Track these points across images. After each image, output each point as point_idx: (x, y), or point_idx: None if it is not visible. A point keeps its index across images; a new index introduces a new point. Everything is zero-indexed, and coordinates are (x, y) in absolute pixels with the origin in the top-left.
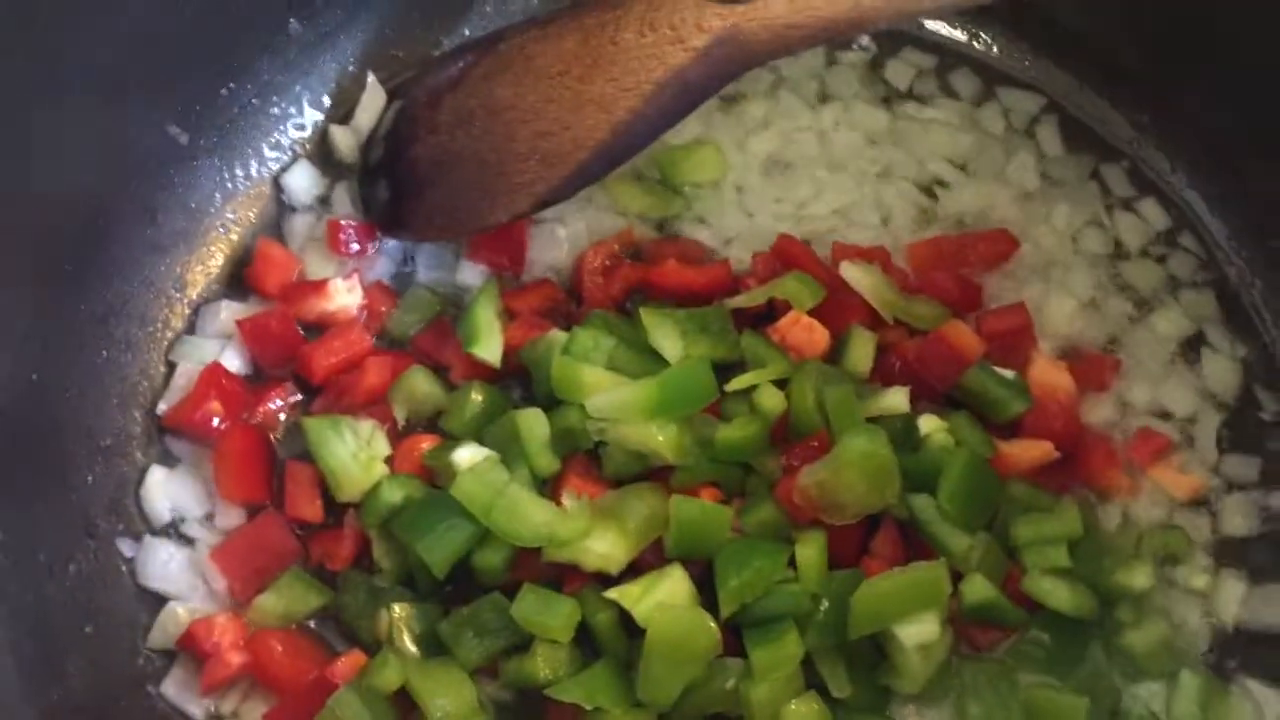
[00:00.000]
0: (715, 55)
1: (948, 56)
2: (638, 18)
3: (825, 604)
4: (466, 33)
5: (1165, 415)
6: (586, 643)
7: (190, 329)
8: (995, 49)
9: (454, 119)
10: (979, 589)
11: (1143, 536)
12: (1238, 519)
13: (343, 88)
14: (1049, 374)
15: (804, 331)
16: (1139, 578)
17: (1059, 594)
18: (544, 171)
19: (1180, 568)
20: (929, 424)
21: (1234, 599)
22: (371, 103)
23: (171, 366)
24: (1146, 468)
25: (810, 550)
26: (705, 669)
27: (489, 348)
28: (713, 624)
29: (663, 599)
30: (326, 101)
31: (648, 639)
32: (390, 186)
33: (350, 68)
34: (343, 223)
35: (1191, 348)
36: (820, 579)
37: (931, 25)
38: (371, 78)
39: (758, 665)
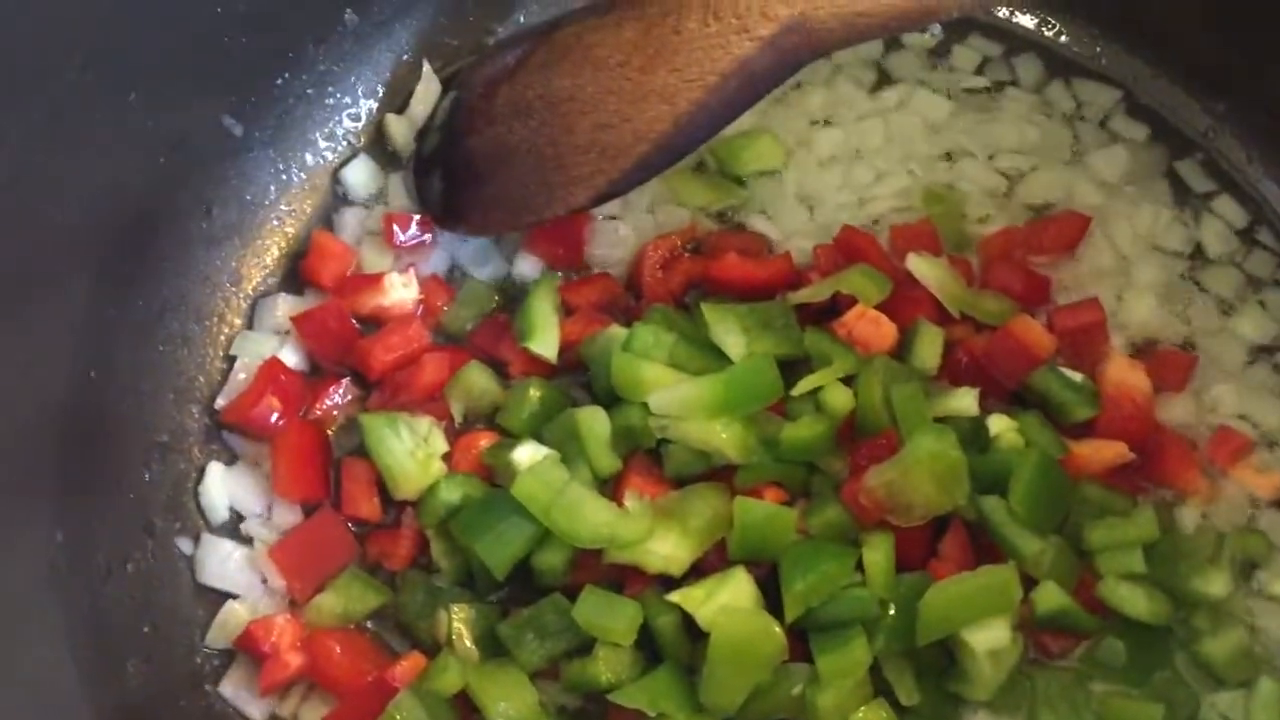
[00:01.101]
0: (782, 44)
1: (1014, 43)
2: (701, 6)
3: (893, 609)
4: (521, 19)
5: (1244, 417)
6: (649, 646)
7: (248, 323)
8: (1064, 36)
9: (511, 110)
10: (1051, 596)
11: (1222, 540)
12: None
13: (398, 77)
14: (1125, 373)
15: (870, 325)
16: (1216, 584)
17: (1135, 601)
18: (603, 164)
19: (1260, 573)
20: (999, 424)
21: None
22: (427, 92)
23: (230, 362)
24: (1227, 468)
25: (878, 554)
26: (770, 674)
27: (545, 343)
28: (778, 629)
29: (726, 602)
30: (381, 91)
31: (711, 643)
32: (445, 178)
33: (405, 57)
34: (398, 215)
35: (1271, 349)
36: (888, 583)
37: (999, 10)
38: (426, 67)
39: (824, 671)
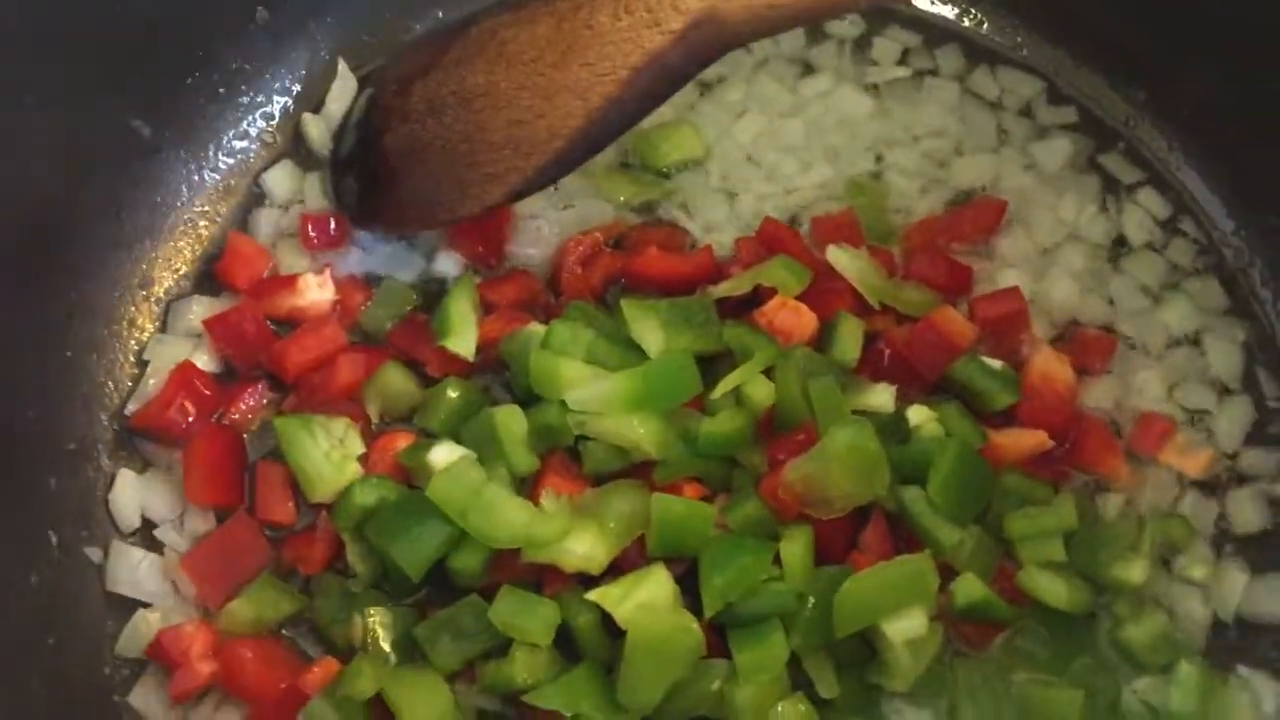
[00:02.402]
0: (693, 38)
1: (935, 34)
2: (613, 0)
3: (811, 602)
4: (440, 15)
5: (1170, 398)
6: (567, 646)
7: (162, 327)
8: (985, 26)
9: (426, 107)
10: (971, 587)
11: (1143, 527)
12: (1248, 513)
13: (313, 76)
14: (1050, 364)
15: (791, 315)
16: (1136, 572)
17: (1055, 589)
18: (518, 161)
19: (1180, 557)
20: (918, 414)
21: (1235, 590)
22: (342, 91)
23: (142, 367)
24: (1153, 453)
25: (795, 547)
26: (688, 671)
27: (463, 341)
28: (695, 626)
29: (644, 600)
30: (296, 90)
31: (628, 641)
32: (361, 177)
33: (321, 54)
34: (314, 216)
35: (1194, 337)
36: (806, 577)
37: (919, 1)
38: (342, 64)
39: (743, 667)
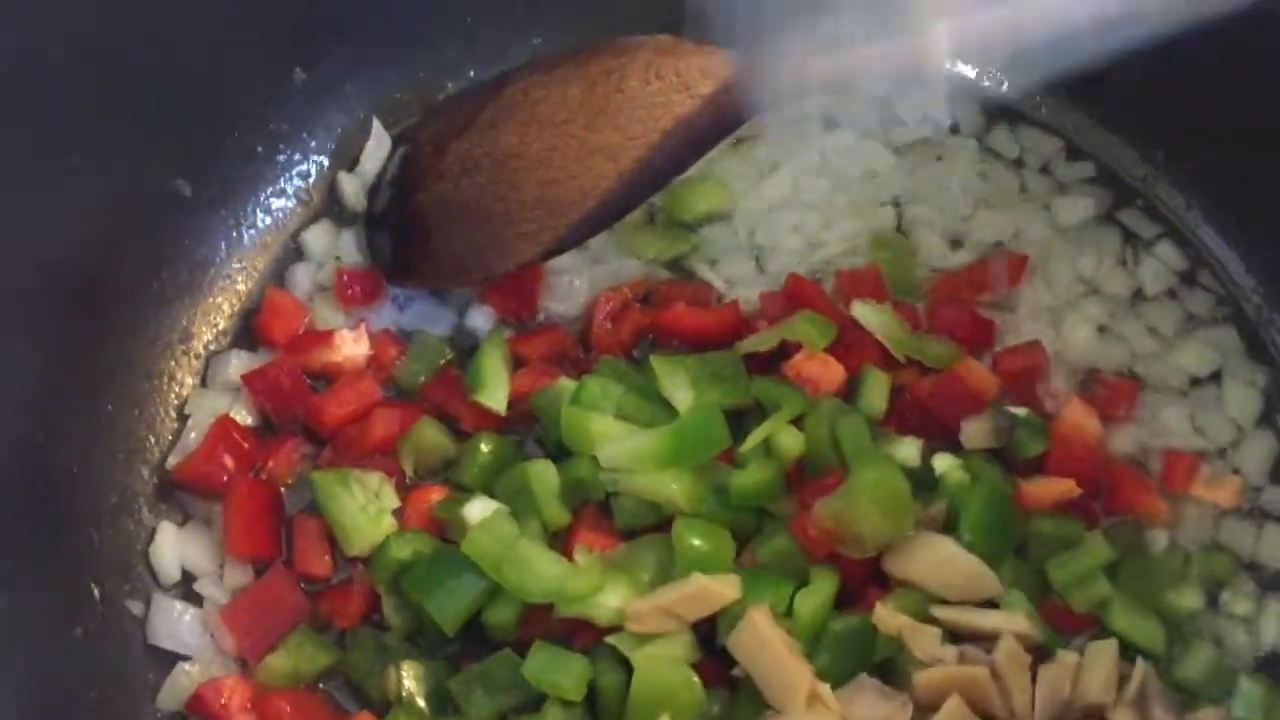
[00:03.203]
0: (723, 102)
1: (956, 92)
2: (643, 65)
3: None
4: (472, 74)
5: (1196, 432)
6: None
7: (202, 381)
8: (1005, 85)
9: (460, 167)
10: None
11: (1189, 560)
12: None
13: (349, 134)
14: (1079, 416)
15: (818, 366)
16: (1189, 598)
17: (1147, 630)
18: (550, 220)
19: (1224, 593)
20: (943, 463)
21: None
22: (377, 149)
23: (182, 420)
24: (1183, 488)
25: (810, 601)
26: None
27: (495, 395)
28: (698, 683)
29: (659, 651)
30: (332, 148)
31: (633, 685)
32: (395, 234)
33: (356, 114)
34: (350, 271)
35: (1213, 379)
36: (812, 634)
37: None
38: (377, 124)
39: None
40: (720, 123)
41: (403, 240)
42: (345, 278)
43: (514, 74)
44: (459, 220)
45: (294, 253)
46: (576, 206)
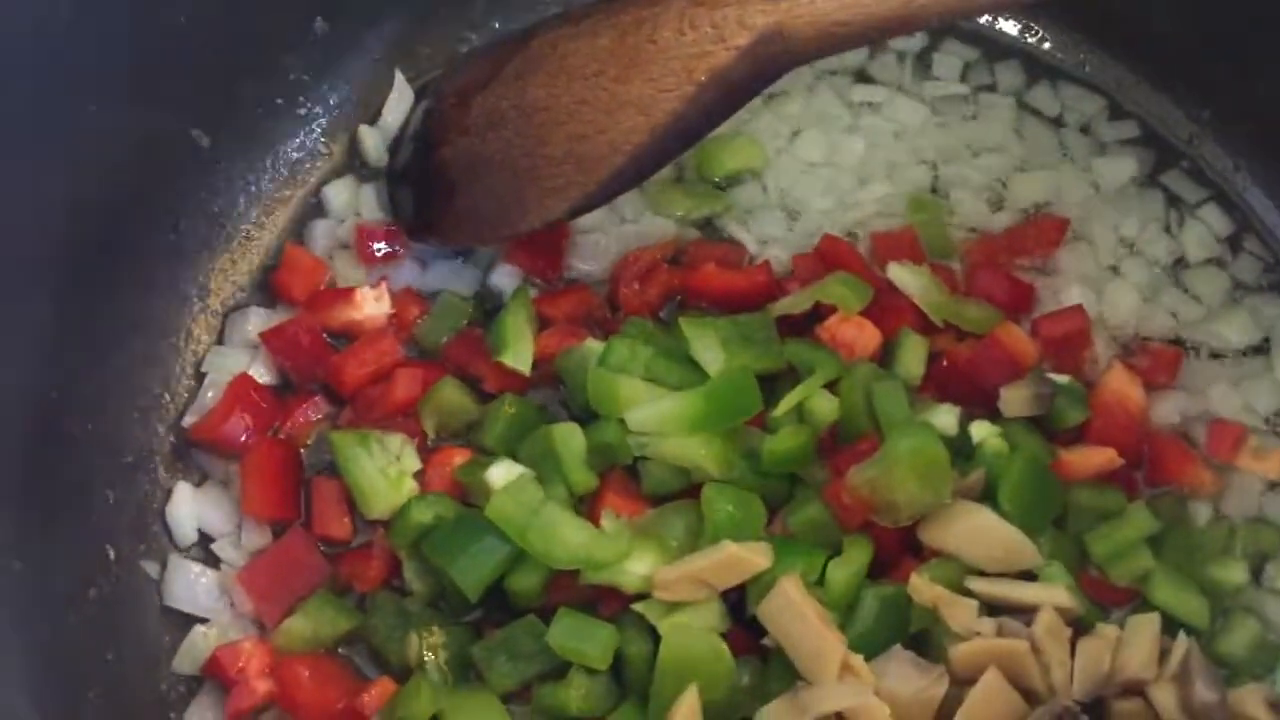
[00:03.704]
0: (759, 54)
1: (996, 49)
2: (677, 14)
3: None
4: (496, 26)
5: (1239, 408)
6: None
7: (219, 339)
8: (1048, 42)
9: (484, 120)
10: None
11: (1234, 532)
12: None
13: (370, 87)
14: (1122, 384)
15: (854, 329)
16: (1235, 573)
17: (1191, 604)
18: (579, 176)
19: (1269, 565)
20: (981, 430)
21: None
22: (399, 102)
23: (199, 378)
24: (1230, 459)
25: (843, 572)
26: (721, 695)
27: (519, 356)
28: (727, 652)
29: (686, 619)
30: (354, 101)
31: (660, 657)
32: (418, 190)
33: (378, 66)
34: (370, 227)
35: (1260, 348)
36: (844, 602)
37: (982, 17)
38: (399, 76)
39: None
40: (757, 75)
41: (425, 196)
42: (365, 234)
43: (542, 26)
44: (484, 176)
45: (314, 208)
46: (606, 162)
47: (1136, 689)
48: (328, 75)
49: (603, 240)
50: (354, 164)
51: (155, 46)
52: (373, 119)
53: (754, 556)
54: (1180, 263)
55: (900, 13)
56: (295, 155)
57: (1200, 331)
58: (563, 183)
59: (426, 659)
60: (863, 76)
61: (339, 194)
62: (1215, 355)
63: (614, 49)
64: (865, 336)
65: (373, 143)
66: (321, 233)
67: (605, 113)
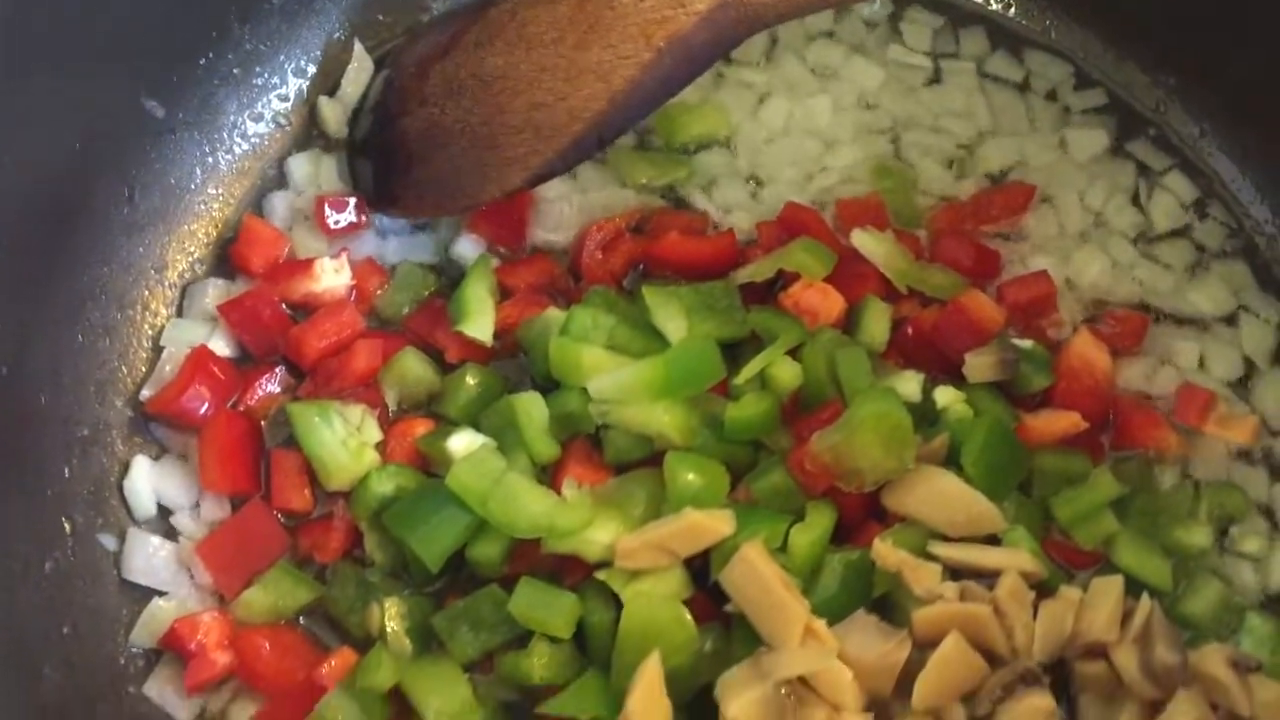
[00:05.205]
0: (719, 19)
1: (961, 16)
2: None
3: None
4: None
5: (1204, 369)
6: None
7: (177, 311)
8: (1013, 9)
9: (444, 90)
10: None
11: (1199, 494)
12: None
13: (329, 57)
14: (1088, 347)
15: (818, 296)
16: (1198, 536)
17: (1153, 566)
18: (538, 145)
19: (1234, 528)
20: (945, 396)
21: None
22: (359, 73)
23: (157, 351)
24: (1197, 424)
25: (806, 536)
26: (683, 659)
27: (480, 326)
28: (689, 619)
29: (649, 587)
30: (311, 71)
31: (622, 624)
32: (378, 160)
33: (336, 35)
34: (330, 198)
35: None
36: (808, 567)
37: None
38: (358, 46)
39: None
40: (716, 41)
41: (386, 168)
42: (326, 205)
43: None
44: (443, 146)
45: (273, 180)
46: (565, 130)
47: (1099, 651)
48: (285, 45)
49: (566, 209)
50: (313, 135)
51: (107, 14)
52: (332, 90)
53: (716, 523)
54: (1148, 231)
55: None
56: (253, 126)
57: (1170, 299)
58: (523, 151)
59: (388, 629)
60: (828, 43)
61: (300, 166)
62: (1182, 322)
63: (573, 15)
64: (829, 303)
65: (333, 114)
66: (280, 204)
67: (564, 80)
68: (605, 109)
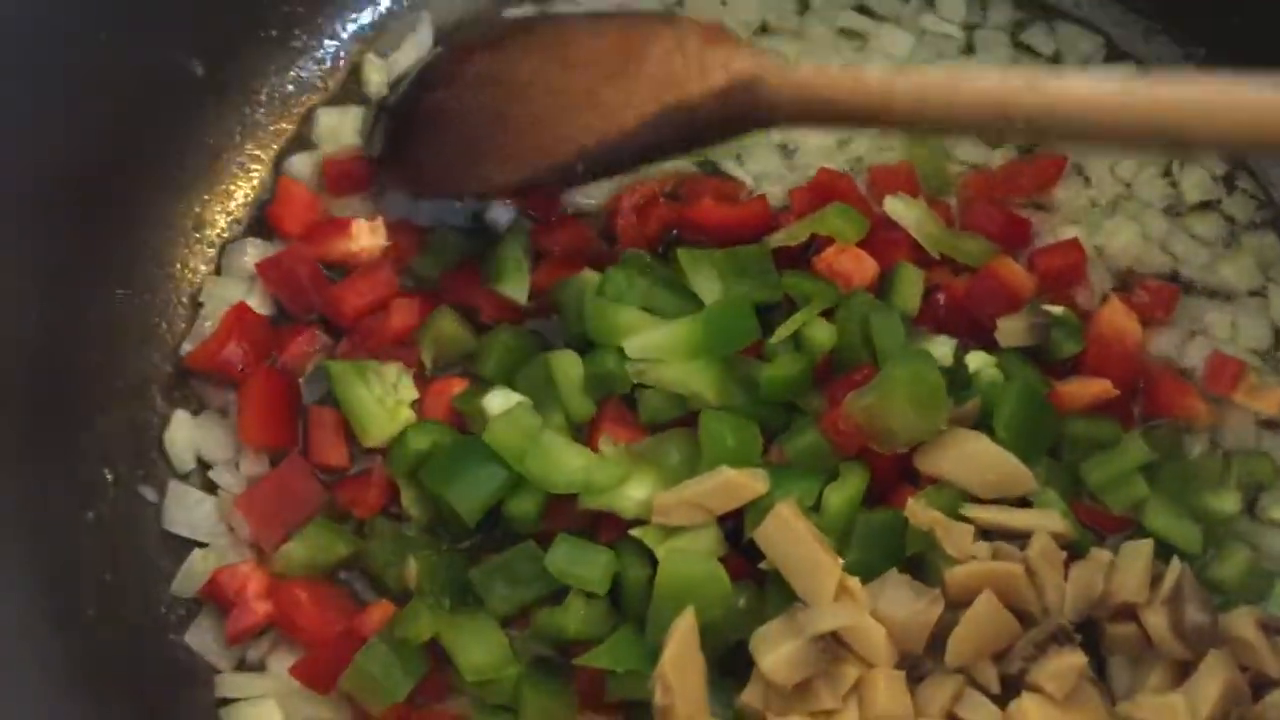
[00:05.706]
0: (730, 100)
1: None
2: (676, 39)
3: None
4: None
5: (1234, 340)
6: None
7: (216, 269)
8: None
9: (472, 80)
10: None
11: (1229, 463)
12: None
13: (373, 22)
14: (1118, 315)
15: (851, 260)
16: (1228, 502)
17: (1185, 531)
18: (528, 155)
19: (1264, 496)
20: (977, 360)
21: None
22: (415, 45)
23: (197, 309)
24: (1227, 393)
25: (839, 496)
26: (718, 615)
27: (515, 285)
28: (724, 576)
29: (684, 545)
30: (350, 34)
31: (658, 580)
32: (392, 127)
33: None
34: (337, 161)
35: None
36: (841, 527)
37: None
38: (425, 18)
39: None
40: (723, 120)
41: (395, 136)
42: (332, 167)
43: (574, 17)
44: (445, 130)
45: (309, 141)
46: (553, 150)
47: (1129, 612)
48: (326, 7)
49: None
50: (351, 98)
51: None
52: (379, 53)
53: (752, 481)
54: (1177, 202)
55: (876, 110)
56: (291, 87)
57: (1200, 271)
58: (510, 155)
59: (425, 584)
60: (863, 9)
61: (330, 120)
62: (1212, 294)
63: (609, 51)
64: (863, 267)
65: (377, 76)
66: (310, 166)
67: (574, 107)
68: (590, 147)
